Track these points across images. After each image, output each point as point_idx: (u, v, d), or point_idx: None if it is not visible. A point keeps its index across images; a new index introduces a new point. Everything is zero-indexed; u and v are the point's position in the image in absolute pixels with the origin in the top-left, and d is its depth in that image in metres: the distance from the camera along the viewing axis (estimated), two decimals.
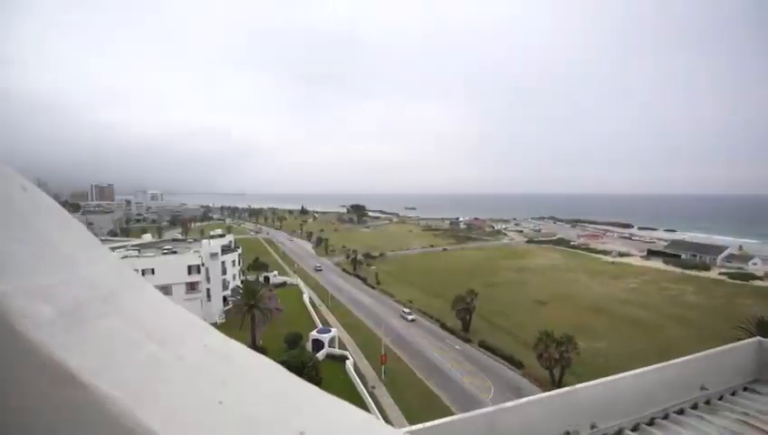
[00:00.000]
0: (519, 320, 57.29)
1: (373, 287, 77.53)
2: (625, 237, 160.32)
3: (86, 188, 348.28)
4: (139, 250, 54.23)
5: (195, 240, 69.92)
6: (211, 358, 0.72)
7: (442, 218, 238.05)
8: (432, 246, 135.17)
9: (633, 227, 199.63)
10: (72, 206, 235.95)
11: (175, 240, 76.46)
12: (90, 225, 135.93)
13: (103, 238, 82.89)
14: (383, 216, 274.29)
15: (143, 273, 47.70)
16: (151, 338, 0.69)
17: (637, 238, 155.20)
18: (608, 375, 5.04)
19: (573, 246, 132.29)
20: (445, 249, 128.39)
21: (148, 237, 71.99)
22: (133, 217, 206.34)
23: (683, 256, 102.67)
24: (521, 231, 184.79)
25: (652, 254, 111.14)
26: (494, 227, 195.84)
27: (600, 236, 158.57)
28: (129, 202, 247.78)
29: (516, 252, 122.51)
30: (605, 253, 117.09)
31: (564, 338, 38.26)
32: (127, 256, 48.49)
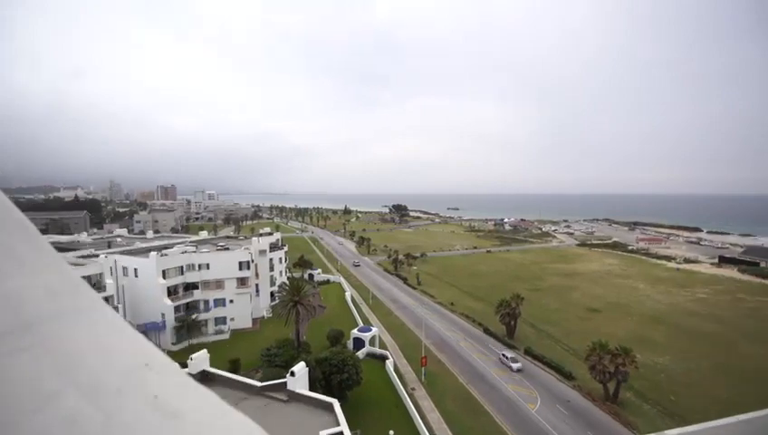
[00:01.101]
0: (568, 328, 54.15)
1: (414, 288, 77.18)
2: (692, 242, 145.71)
3: (153, 189, 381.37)
4: (196, 246, 58.30)
5: (245, 238, 73.88)
6: (155, 417, 0.52)
7: (486, 219, 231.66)
8: (475, 247, 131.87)
9: (702, 230, 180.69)
10: (140, 205, 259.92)
11: (228, 237, 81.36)
12: (155, 222, 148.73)
13: (166, 234, 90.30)
14: (425, 216, 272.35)
15: (199, 267, 51.31)
16: (77, 386, 0.50)
17: (706, 243, 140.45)
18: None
19: (631, 251, 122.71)
20: (488, 251, 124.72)
21: (204, 234, 77.16)
22: (192, 216, 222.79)
23: (762, 265, 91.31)
24: (571, 233, 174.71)
25: (725, 261, 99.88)
26: (541, 229, 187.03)
27: (663, 241, 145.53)
28: (189, 201, 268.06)
29: (566, 255, 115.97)
30: (668, 259, 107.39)
31: (620, 350, 35.56)
32: (186, 251, 52.31)
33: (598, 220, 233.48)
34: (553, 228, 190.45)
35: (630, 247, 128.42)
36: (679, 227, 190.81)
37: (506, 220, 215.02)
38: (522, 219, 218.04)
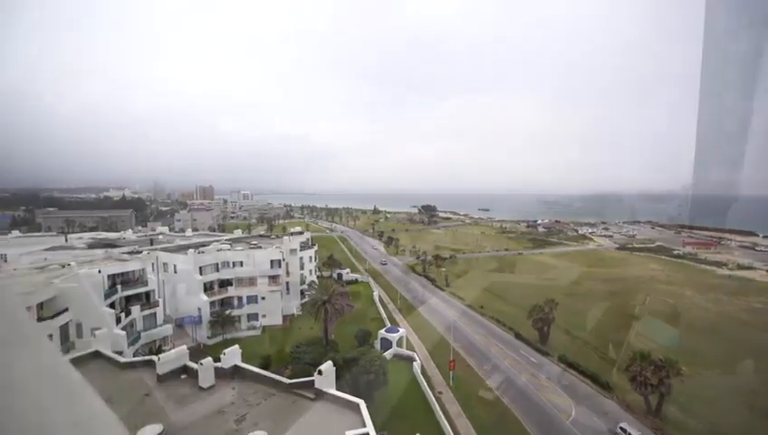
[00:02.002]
0: (606, 336, 51.43)
1: (442, 289, 76.22)
2: (746, 247, 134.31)
3: (193, 189, 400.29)
4: (231, 244, 60.57)
5: (277, 236, 75.93)
6: None
7: (518, 221, 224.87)
8: (506, 249, 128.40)
9: (758, 235, 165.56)
10: (181, 204, 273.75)
11: (261, 236, 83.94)
12: (194, 221, 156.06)
13: (203, 233, 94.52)
14: (455, 217, 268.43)
15: (233, 265, 53.22)
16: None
17: (762, 249, 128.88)
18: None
19: (677, 256, 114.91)
20: (520, 253, 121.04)
21: (238, 233, 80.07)
22: (229, 215, 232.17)
23: None
24: (610, 236, 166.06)
25: None
26: (577, 231, 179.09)
27: (713, 245, 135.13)
28: (225, 201, 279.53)
29: (604, 259, 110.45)
30: (719, 264, 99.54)
31: (664, 361, 33.32)
32: (221, 249, 54.45)
33: (639, 223, 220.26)
34: (590, 230, 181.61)
35: (676, 252, 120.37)
36: (731, 231, 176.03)
37: (540, 221, 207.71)
38: (556, 221, 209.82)
